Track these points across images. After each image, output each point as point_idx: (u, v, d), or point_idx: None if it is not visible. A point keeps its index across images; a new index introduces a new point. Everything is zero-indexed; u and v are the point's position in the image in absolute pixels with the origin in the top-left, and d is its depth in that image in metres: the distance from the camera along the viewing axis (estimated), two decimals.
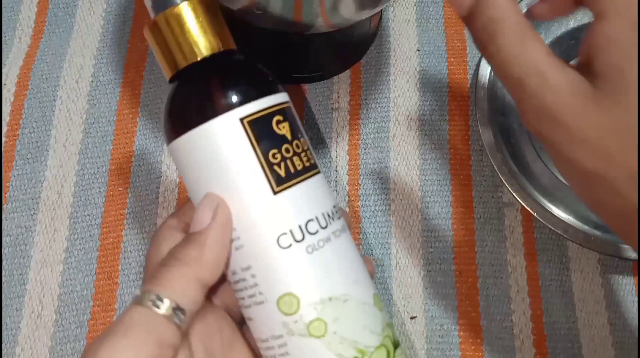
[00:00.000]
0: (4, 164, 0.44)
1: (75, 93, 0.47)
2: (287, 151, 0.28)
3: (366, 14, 0.40)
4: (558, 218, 0.42)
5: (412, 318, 0.41)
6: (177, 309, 0.26)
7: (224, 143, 0.28)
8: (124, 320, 0.26)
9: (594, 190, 0.27)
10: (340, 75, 0.48)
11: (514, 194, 0.42)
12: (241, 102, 0.28)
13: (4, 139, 0.45)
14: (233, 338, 0.31)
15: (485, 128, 0.44)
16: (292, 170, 0.28)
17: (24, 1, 0.50)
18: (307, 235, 0.28)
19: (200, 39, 0.29)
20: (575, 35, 0.47)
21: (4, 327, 0.41)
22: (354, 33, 0.47)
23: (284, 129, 0.29)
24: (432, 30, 0.50)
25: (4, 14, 0.49)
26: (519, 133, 0.45)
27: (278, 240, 0.28)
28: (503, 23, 0.28)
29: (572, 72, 0.27)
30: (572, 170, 0.27)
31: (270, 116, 0.28)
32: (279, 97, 0.30)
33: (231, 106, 0.28)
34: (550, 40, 0.47)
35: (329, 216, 0.29)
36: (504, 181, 0.43)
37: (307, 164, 0.29)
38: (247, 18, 0.38)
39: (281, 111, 0.29)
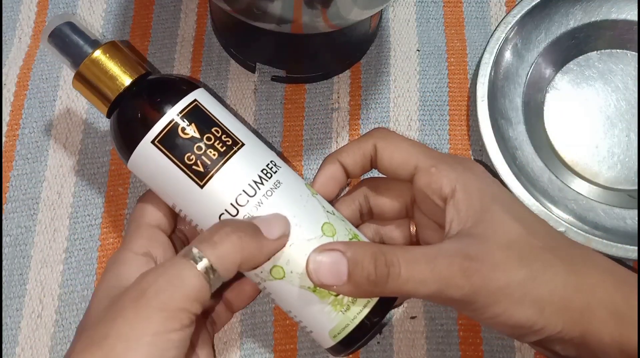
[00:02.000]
0: (4, 164, 0.44)
1: (75, 93, 0.47)
2: (199, 148, 0.33)
3: (366, 14, 0.40)
4: (558, 218, 0.42)
5: (412, 318, 0.41)
6: (218, 280, 0.31)
7: (149, 163, 0.34)
8: (183, 278, 0.30)
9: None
10: (340, 75, 0.48)
11: (513, 194, 0.42)
12: (149, 127, 0.33)
13: (4, 139, 0.45)
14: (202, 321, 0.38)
15: (486, 128, 0.44)
16: (208, 162, 0.33)
17: (24, 1, 0.50)
18: (239, 208, 0.33)
19: (110, 82, 0.35)
20: (576, 35, 0.48)
21: (4, 327, 0.41)
22: (354, 33, 0.47)
23: (191, 132, 0.33)
24: (432, 30, 0.50)
25: (4, 14, 0.49)
26: (519, 133, 0.46)
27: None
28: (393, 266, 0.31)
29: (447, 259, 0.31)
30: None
31: (175, 126, 0.33)
32: (182, 104, 0.34)
33: (142, 134, 0.33)
34: (550, 40, 0.47)
35: (255, 182, 0.33)
36: (504, 181, 0.43)
37: (223, 149, 0.34)
38: (247, 18, 0.38)
39: (185, 116, 0.34)
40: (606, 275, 0.32)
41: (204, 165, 0.33)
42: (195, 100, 0.34)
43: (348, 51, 0.48)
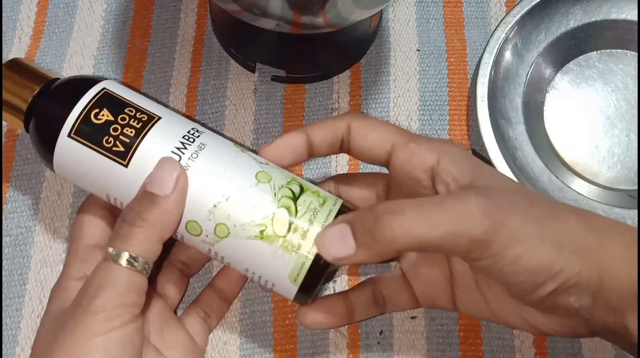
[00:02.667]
0: (4, 164, 0.44)
1: None
2: (115, 129, 0.34)
3: (366, 14, 0.40)
4: None
5: (412, 318, 0.41)
6: (146, 264, 0.32)
7: (72, 160, 0.34)
8: (109, 279, 0.31)
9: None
10: (340, 75, 0.48)
11: None
12: (62, 123, 0.34)
13: (4, 139, 0.45)
14: (168, 317, 0.37)
15: (486, 128, 0.44)
16: (127, 140, 0.33)
17: (24, 1, 0.50)
18: None
19: (20, 94, 0.36)
20: (576, 35, 0.48)
21: (4, 327, 0.41)
22: (354, 33, 0.47)
23: (104, 116, 0.34)
24: (432, 30, 0.50)
25: (4, 14, 0.49)
26: (519, 133, 0.46)
27: None
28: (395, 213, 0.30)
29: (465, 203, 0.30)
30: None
31: (87, 115, 0.34)
32: (89, 94, 0.34)
33: (57, 132, 0.34)
34: (550, 40, 0.47)
35: (178, 148, 0.33)
36: None
37: (139, 125, 0.34)
38: (247, 18, 0.38)
39: (95, 104, 0.34)
40: (612, 221, 0.32)
41: (123, 144, 0.33)
42: (104, 88, 0.35)
43: (348, 51, 0.48)
